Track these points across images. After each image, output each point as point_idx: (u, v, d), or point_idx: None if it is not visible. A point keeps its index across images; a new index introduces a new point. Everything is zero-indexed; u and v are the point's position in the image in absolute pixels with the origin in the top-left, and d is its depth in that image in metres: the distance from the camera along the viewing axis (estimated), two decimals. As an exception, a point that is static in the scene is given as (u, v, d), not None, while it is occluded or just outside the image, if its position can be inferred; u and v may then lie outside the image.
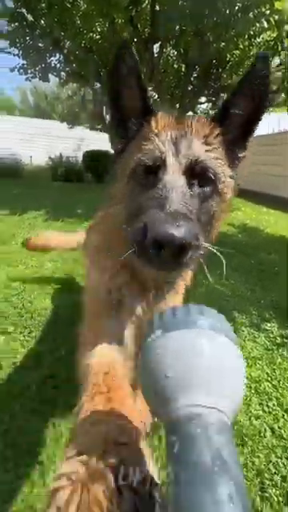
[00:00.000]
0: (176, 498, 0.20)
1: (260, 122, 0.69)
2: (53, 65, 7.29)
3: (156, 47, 6.64)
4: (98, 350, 0.68)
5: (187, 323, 0.28)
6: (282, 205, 7.41)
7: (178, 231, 0.44)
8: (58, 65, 7.37)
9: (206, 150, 0.62)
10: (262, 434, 1.22)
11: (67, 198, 6.02)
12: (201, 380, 0.24)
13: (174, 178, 0.57)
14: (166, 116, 0.67)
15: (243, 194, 9.45)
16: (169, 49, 7.42)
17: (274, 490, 1.01)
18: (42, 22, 5.89)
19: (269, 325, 2.02)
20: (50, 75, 7.46)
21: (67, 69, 7.47)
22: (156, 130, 0.64)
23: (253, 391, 1.44)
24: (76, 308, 1.97)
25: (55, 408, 1.26)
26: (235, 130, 0.68)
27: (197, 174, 0.60)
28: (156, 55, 6.45)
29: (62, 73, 7.60)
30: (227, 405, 0.24)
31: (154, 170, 0.60)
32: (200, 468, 0.20)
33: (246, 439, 1.18)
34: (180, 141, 0.61)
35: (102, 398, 0.50)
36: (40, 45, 6.45)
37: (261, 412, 1.33)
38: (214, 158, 0.63)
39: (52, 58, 7.21)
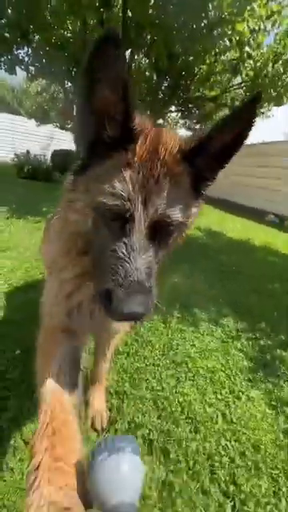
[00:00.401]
0: None
1: (233, 156, 0.67)
2: (20, 57, 7.00)
3: (128, 54, 6.75)
4: (49, 382, 0.68)
5: (113, 451, 0.48)
6: (246, 212, 7.96)
7: (139, 308, 0.52)
8: (26, 58, 7.09)
9: (176, 197, 0.61)
10: (214, 420, 1.27)
11: (32, 196, 5.75)
12: (121, 485, 0.44)
13: (139, 242, 0.57)
14: (146, 142, 0.60)
15: (210, 200, 9.95)
16: (141, 56, 7.61)
17: (222, 471, 1.06)
18: (9, 12, 5.64)
19: (225, 319, 2.13)
20: (17, 68, 7.14)
21: (36, 64, 7.22)
22: (129, 163, 0.58)
23: (208, 381, 1.51)
24: (31, 307, 1.88)
25: (5, 411, 1.18)
26: (208, 162, 0.65)
27: (161, 228, 0.61)
28: (127, 61, 6.55)
29: (31, 67, 7.32)
30: (135, 496, 0.44)
31: (118, 217, 0.58)
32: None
33: (199, 425, 1.23)
34: (151, 189, 0.58)
35: (48, 443, 0.56)
36: (6, 35, 6.15)
37: (214, 400, 1.39)
38: (181, 206, 0.62)
39: (20, 51, 6.92)
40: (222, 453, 1.13)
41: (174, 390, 1.41)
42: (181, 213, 0.62)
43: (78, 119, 0.62)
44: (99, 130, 0.60)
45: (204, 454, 1.12)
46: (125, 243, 0.57)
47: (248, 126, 0.61)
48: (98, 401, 1.27)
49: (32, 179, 8.00)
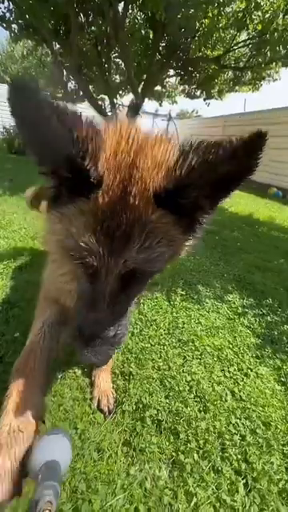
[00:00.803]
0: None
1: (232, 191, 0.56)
2: (1, 13, 6.27)
3: (121, 6, 6.04)
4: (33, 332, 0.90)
5: (53, 433, 0.64)
6: (246, 185, 7.67)
7: (95, 359, 0.57)
8: (8, 14, 6.36)
9: (148, 244, 0.53)
10: (223, 399, 1.24)
11: (25, 172, 5.45)
12: (51, 454, 0.57)
13: (105, 291, 0.56)
14: (108, 192, 0.52)
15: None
16: (135, 10, 6.84)
17: (233, 450, 1.03)
18: None
19: (231, 296, 2.07)
20: (-2, 27, 6.43)
21: (20, 21, 6.50)
22: (93, 211, 0.52)
23: (215, 359, 1.47)
24: (31, 287, 1.79)
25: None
26: (200, 193, 0.54)
27: (133, 277, 0.57)
28: (121, 14, 5.88)
29: (14, 25, 6.60)
30: (58, 459, 0.56)
31: (87, 266, 0.56)
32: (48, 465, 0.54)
33: (208, 404, 1.19)
34: (118, 241, 0.52)
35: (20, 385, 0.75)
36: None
37: (222, 378, 1.36)
38: (157, 251, 0.55)
39: (0, 5, 6.18)
40: (233, 431, 1.10)
41: (181, 369, 1.37)
42: (157, 261, 0.56)
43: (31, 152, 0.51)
44: (63, 170, 0.50)
45: (214, 432, 1.09)
46: (92, 290, 0.57)
47: (247, 172, 0.51)
48: (104, 381, 1.22)
49: (24, 154, 7.57)
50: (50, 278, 0.95)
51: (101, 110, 7.83)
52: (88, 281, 0.58)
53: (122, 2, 5.89)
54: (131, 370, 1.32)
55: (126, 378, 1.29)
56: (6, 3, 6.13)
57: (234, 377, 1.37)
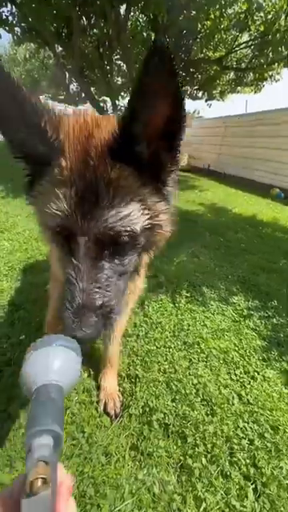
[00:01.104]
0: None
1: (182, 131, 0.55)
2: (4, 17, 6.31)
3: (123, 8, 6.07)
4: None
5: (44, 344, 0.44)
6: (249, 186, 7.65)
7: (84, 334, 0.52)
8: (11, 18, 6.40)
9: (119, 202, 0.54)
10: (230, 402, 1.23)
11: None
12: (44, 370, 0.40)
13: (83, 261, 0.54)
14: (71, 152, 0.54)
15: (212, 175, 9.57)
16: (137, 13, 6.86)
17: (242, 454, 1.02)
18: None
19: (236, 298, 2.06)
20: (1, 30, 6.45)
21: (22, 24, 6.53)
22: (61, 178, 0.54)
23: (221, 361, 1.46)
24: (35, 290, 1.80)
25: (12, 400, 1.12)
26: (153, 148, 0.56)
27: (111, 242, 0.56)
28: (123, 17, 5.90)
29: (17, 28, 6.64)
30: (60, 379, 0.40)
31: (65, 235, 0.56)
32: (40, 397, 0.37)
33: (216, 408, 1.18)
34: (88, 200, 0.53)
35: None
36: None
37: (229, 381, 1.35)
38: (127, 206, 0.55)
39: (3, 9, 6.22)
40: (241, 435, 1.09)
41: (187, 372, 1.36)
42: (131, 221, 0.56)
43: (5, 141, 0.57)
44: (29, 143, 0.55)
45: (222, 436, 1.08)
46: (72, 265, 0.55)
47: (173, 97, 0.49)
48: (110, 384, 1.22)
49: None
50: (53, 262, 1.00)
51: (103, 112, 7.85)
52: (68, 253, 0.57)
53: (124, 5, 5.91)
54: (137, 372, 1.32)
55: (132, 380, 1.28)
56: (9, 7, 6.18)
57: (241, 380, 1.36)
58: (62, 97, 8.67)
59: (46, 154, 0.55)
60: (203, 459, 0.99)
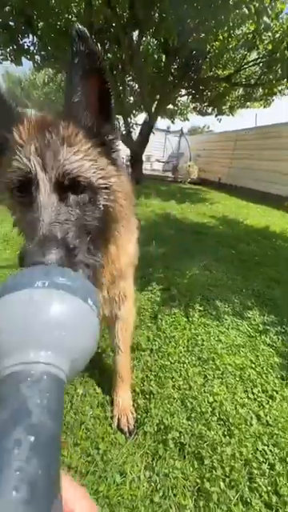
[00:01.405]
0: None
1: (111, 100, 0.65)
2: (26, 47, 6.82)
3: (135, 34, 6.43)
4: None
5: (24, 284, 0.25)
6: (260, 198, 7.62)
7: (47, 258, 0.46)
8: (32, 47, 6.91)
9: (72, 153, 0.61)
10: (248, 422, 1.19)
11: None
12: (24, 339, 0.23)
13: (43, 198, 0.57)
14: (29, 123, 0.63)
15: (223, 187, 9.61)
16: (149, 37, 7.25)
17: (262, 480, 0.97)
18: (12, -3, 5.45)
19: (251, 313, 2.01)
20: (23, 58, 6.97)
21: (42, 52, 7.03)
22: (20, 141, 0.61)
23: (237, 379, 1.41)
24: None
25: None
26: (93, 117, 0.65)
27: (68, 185, 0.60)
28: (135, 42, 6.25)
29: (37, 56, 7.15)
30: (54, 356, 0.23)
31: (26, 187, 0.60)
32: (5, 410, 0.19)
33: (233, 428, 1.14)
34: (45, 151, 0.60)
35: None
36: (11, 23, 5.98)
37: (246, 400, 1.30)
38: (82, 158, 0.62)
39: (25, 40, 6.73)
40: (261, 459, 1.05)
41: (202, 389, 1.33)
42: (85, 168, 0.62)
43: None
44: None
45: (241, 459, 1.04)
46: (33, 207, 0.57)
47: (97, 73, 0.60)
48: (123, 399, 1.21)
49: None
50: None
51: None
52: (29, 204, 0.58)
53: (137, 31, 6.27)
54: (151, 388, 1.30)
55: (147, 396, 1.27)
56: (31, 37, 6.70)
57: (259, 399, 1.31)
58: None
59: (5, 124, 0.64)
60: (221, 483, 0.95)
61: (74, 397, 1.21)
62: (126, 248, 0.89)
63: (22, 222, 0.64)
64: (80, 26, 0.54)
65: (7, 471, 0.17)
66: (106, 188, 0.66)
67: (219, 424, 1.17)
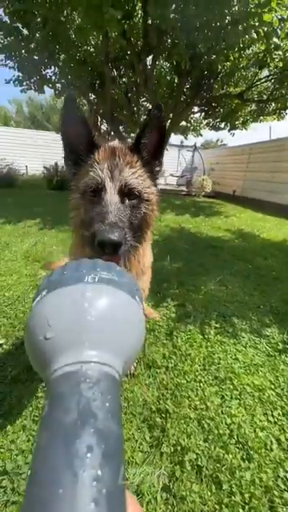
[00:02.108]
0: (33, 463, 0.18)
1: (164, 147, 0.96)
2: (48, 77, 7.40)
3: (149, 59, 6.80)
4: None
5: (74, 279, 0.25)
6: (277, 211, 7.50)
7: (113, 236, 0.67)
8: (53, 77, 7.49)
9: (132, 173, 0.85)
10: (268, 447, 1.15)
11: (62, 207, 6.00)
12: (77, 336, 0.22)
13: (110, 198, 0.80)
14: (105, 149, 0.89)
15: (238, 200, 9.56)
16: (161, 61, 7.63)
17: (284, 510, 0.94)
18: (38, 35, 6.00)
19: (269, 330, 1.97)
20: (45, 87, 7.56)
21: (62, 80, 7.59)
22: (98, 160, 0.86)
23: (256, 400, 1.38)
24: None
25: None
26: (149, 153, 0.94)
27: (126, 193, 0.84)
28: (149, 67, 6.60)
29: (58, 84, 7.71)
30: (110, 356, 0.22)
31: (97, 191, 0.82)
32: (61, 425, 0.18)
33: (252, 453, 1.11)
34: (114, 169, 0.84)
35: None
36: (35, 57, 6.55)
37: (266, 423, 1.27)
38: (137, 177, 0.86)
39: (47, 71, 7.32)
40: (282, 486, 1.01)
41: (219, 410, 1.31)
42: (138, 182, 0.86)
43: (64, 150, 0.93)
44: (78, 152, 0.91)
45: (261, 486, 1.01)
46: (101, 204, 0.79)
47: (161, 130, 0.92)
48: None
49: (60, 190, 8.37)
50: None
51: (130, 147, 8.50)
52: (98, 202, 0.80)
53: (150, 56, 6.64)
54: (167, 407, 1.30)
55: (163, 415, 1.27)
56: (53, 68, 7.29)
57: (279, 422, 1.27)
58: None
59: (88, 150, 0.89)
60: (241, 510, 0.93)
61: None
62: (148, 251, 1.15)
63: (90, 214, 0.82)
64: (159, 107, 0.88)
65: (84, 481, 0.16)
66: (147, 200, 0.90)
67: (238, 447, 1.15)
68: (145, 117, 1.00)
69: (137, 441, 1.15)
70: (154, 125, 0.89)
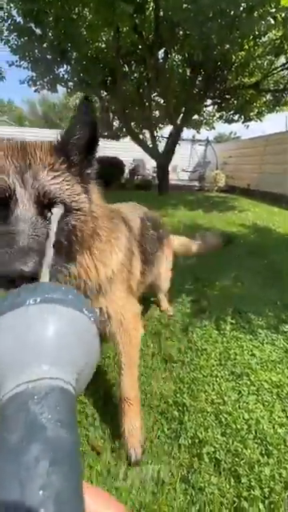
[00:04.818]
0: None
1: (97, 144, 0.77)
2: (61, 76, 7.48)
3: (161, 53, 6.70)
4: None
5: (15, 305, 0.25)
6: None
7: (25, 266, 0.49)
8: (66, 75, 7.55)
9: (53, 177, 0.66)
10: (287, 444, 1.14)
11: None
12: (22, 358, 0.23)
13: (23, 212, 0.60)
14: (9, 146, 0.68)
15: (252, 194, 9.32)
16: (173, 54, 7.50)
17: (304, 505, 0.93)
18: (50, 34, 6.07)
19: (287, 326, 1.93)
20: (58, 86, 7.65)
21: (75, 78, 7.64)
22: (1, 163, 0.65)
23: (274, 397, 1.37)
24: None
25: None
26: (76, 155, 0.74)
27: (46, 204, 0.63)
28: (161, 61, 6.51)
29: (70, 83, 7.78)
30: (57, 369, 0.23)
31: (4, 202, 0.61)
32: (8, 443, 0.19)
33: (271, 448, 1.11)
34: (26, 172, 0.64)
35: None
36: (48, 57, 6.64)
37: (285, 419, 1.25)
38: (60, 183, 0.67)
39: (60, 69, 7.40)
40: (302, 483, 1.00)
41: (236, 405, 1.31)
42: (61, 188, 0.67)
43: None
44: None
45: (280, 481, 1.00)
46: (11, 220, 0.59)
47: (91, 127, 0.71)
48: (128, 428, 1.10)
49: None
50: None
51: (141, 143, 8.47)
52: (6, 218, 0.60)
53: (162, 50, 6.55)
54: (184, 400, 1.31)
55: (180, 409, 1.28)
56: (65, 67, 7.36)
57: (299, 419, 1.26)
58: (106, 133, 9.58)
59: None
60: (260, 505, 0.93)
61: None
62: (105, 261, 0.92)
63: None
64: (87, 99, 0.70)
65: (31, 491, 0.17)
66: (77, 209, 0.72)
67: (256, 443, 1.14)
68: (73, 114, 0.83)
69: (155, 433, 1.17)
70: (83, 121, 0.71)
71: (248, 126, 9.00)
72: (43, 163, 0.67)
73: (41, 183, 0.64)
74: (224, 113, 9.18)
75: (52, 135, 0.75)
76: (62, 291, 0.27)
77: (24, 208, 0.60)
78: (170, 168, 8.88)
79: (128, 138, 9.44)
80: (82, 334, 0.26)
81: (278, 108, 8.10)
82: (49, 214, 0.63)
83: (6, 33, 6.03)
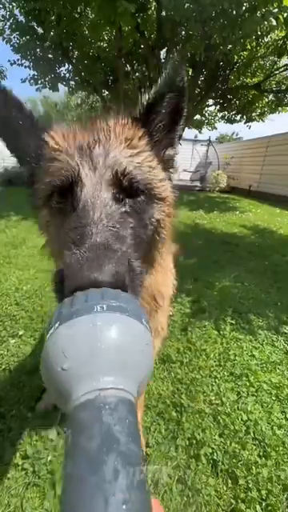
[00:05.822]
0: (64, 491, 0.18)
1: (182, 121, 0.62)
2: (62, 75, 7.48)
3: (162, 53, 6.69)
4: None
5: (84, 310, 0.25)
6: (294, 205, 7.22)
7: (102, 273, 0.32)
8: (67, 74, 7.55)
9: (132, 156, 0.53)
10: (286, 445, 1.13)
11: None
12: (93, 365, 0.23)
13: (93, 195, 0.46)
14: (68, 128, 0.58)
15: (254, 195, 9.30)
16: (176, 54, 7.48)
17: (302, 508, 0.92)
18: (52, 33, 6.06)
19: (287, 328, 1.92)
20: (59, 85, 7.64)
21: (76, 78, 7.64)
22: (57, 146, 0.54)
23: (274, 398, 1.36)
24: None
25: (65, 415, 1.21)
26: (160, 129, 0.60)
27: (125, 187, 0.50)
28: (163, 60, 6.50)
29: (71, 82, 7.78)
30: (124, 380, 0.23)
31: (68, 190, 0.49)
32: (87, 452, 0.19)
33: (269, 450, 1.10)
34: (94, 148, 0.51)
35: None
36: (50, 56, 6.63)
37: (284, 421, 1.24)
38: (141, 163, 0.54)
39: (61, 69, 7.39)
40: (301, 485, 0.99)
41: (235, 406, 1.30)
42: (143, 170, 0.54)
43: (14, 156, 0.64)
44: (28, 151, 0.60)
45: (278, 484, 0.99)
46: (78, 209, 0.46)
47: (180, 95, 0.58)
48: None
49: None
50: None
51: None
52: (70, 208, 0.47)
53: (164, 50, 6.53)
54: (182, 401, 1.31)
55: (178, 409, 1.27)
56: (66, 66, 7.35)
57: (298, 421, 1.25)
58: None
59: (37, 148, 0.58)
60: (257, 506, 0.92)
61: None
62: (167, 275, 0.78)
63: (59, 234, 0.49)
64: (180, 64, 0.56)
65: (116, 506, 0.17)
66: (161, 199, 0.57)
67: (254, 444, 1.13)
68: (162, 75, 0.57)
69: (153, 433, 1.16)
70: (176, 85, 0.56)
71: (250, 127, 8.98)
72: (118, 137, 0.53)
73: (116, 160, 0.50)
74: (226, 113, 9.15)
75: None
76: (123, 299, 0.28)
77: (93, 191, 0.46)
78: (171, 168, 8.86)
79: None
80: (143, 344, 0.26)
81: (280, 108, 8.07)
82: (128, 200, 0.49)
83: (7, 32, 6.03)
